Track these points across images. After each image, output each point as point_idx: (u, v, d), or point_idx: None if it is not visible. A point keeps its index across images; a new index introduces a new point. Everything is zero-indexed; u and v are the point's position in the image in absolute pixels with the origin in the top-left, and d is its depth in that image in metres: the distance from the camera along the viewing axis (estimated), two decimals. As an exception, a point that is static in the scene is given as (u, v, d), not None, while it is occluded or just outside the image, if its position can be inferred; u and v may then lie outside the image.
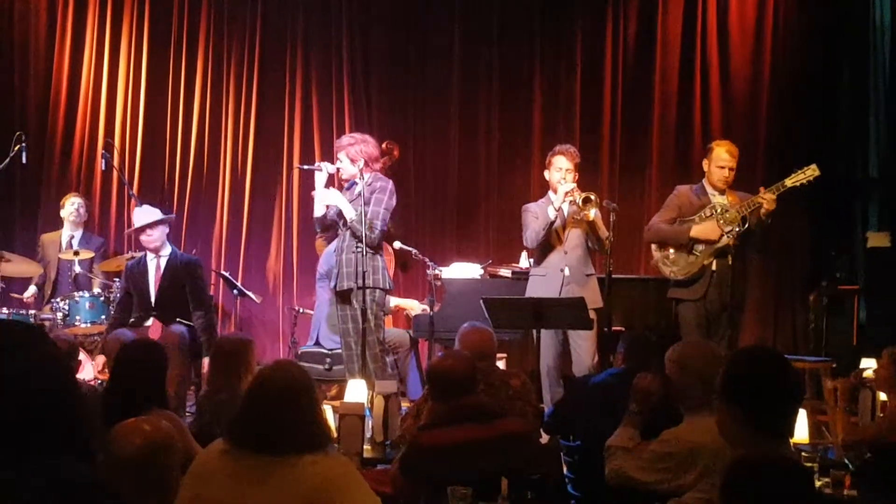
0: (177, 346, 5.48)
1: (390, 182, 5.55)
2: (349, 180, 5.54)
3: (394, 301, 6.86)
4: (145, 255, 6.03)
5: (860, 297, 7.08)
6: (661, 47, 7.75)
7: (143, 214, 6.07)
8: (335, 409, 4.46)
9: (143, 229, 5.96)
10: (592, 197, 5.58)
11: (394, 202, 5.49)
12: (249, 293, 7.17)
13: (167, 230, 6.07)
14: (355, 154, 5.43)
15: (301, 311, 7.24)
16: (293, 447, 2.51)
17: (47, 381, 2.20)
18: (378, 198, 5.39)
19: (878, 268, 7.03)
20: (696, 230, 5.55)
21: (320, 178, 5.53)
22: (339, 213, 5.46)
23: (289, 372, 2.67)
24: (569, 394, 5.04)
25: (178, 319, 5.83)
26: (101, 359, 5.67)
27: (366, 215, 5.27)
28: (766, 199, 5.37)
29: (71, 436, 2.13)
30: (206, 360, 5.67)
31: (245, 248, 7.91)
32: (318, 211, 5.56)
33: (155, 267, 5.97)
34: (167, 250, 6.02)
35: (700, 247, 5.57)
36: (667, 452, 3.11)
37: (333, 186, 5.66)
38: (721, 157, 5.62)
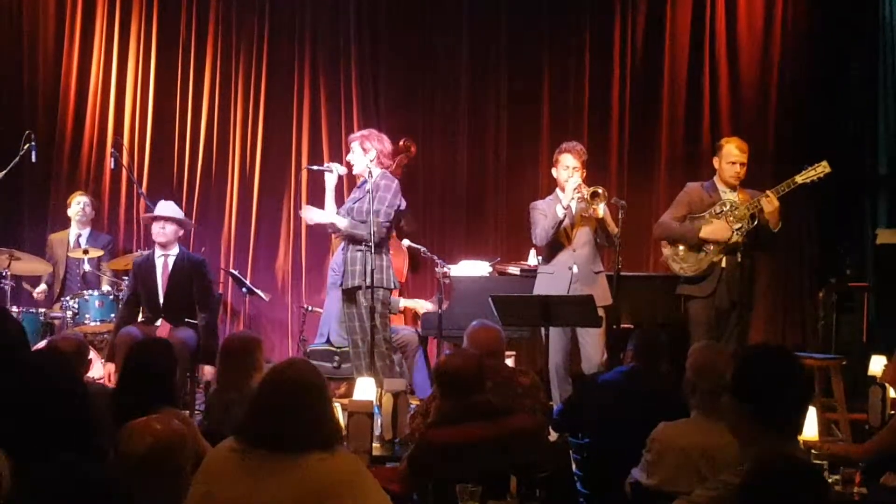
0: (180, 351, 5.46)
1: (395, 181, 5.56)
2: (360, 177, 5.54)
3: (403, 302, 6.86)
4: (153, 253, 6.02)
5: (870, 294, 7.06)
6: (669, 45, 7.73)
7: (167, 207, 6.11)
8: (344, 407, 4.46)
9: (159, 219, 5.98)
10: (600, 191, 5.57)
11: (398, 201, 5.48)
12: (258, 291, 7.18)
13: (180, 233, 6.08)
14: (368, 146, 5.44)
15: (310, 308, 7.24)
16: (303, 445, 2.52)
17: (53, 382, 2.21)
18: (382, 196, 5.39)
19: (888, 264, 7.00)
20: (707, 231, 5.53)
21: (330, 179, 5.53)
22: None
23: (301, 370, 2.68)
24: (577, 391, 5.04)
25: (185, 320, 5.84)
26: (110, 366, 5.56)
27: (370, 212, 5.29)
28: (765, 202, 5.38)
29: (81, 434, 2.14)
30: (206, 368, 5.70)
31: (254, 246, 7.91)
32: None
33: (162, 265, 5.96)
34: (175, 250, 6.00)
35: (710, 244, 5.57)
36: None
37: (343, 186, 5.66)
38: (732, 154, 5.61)
